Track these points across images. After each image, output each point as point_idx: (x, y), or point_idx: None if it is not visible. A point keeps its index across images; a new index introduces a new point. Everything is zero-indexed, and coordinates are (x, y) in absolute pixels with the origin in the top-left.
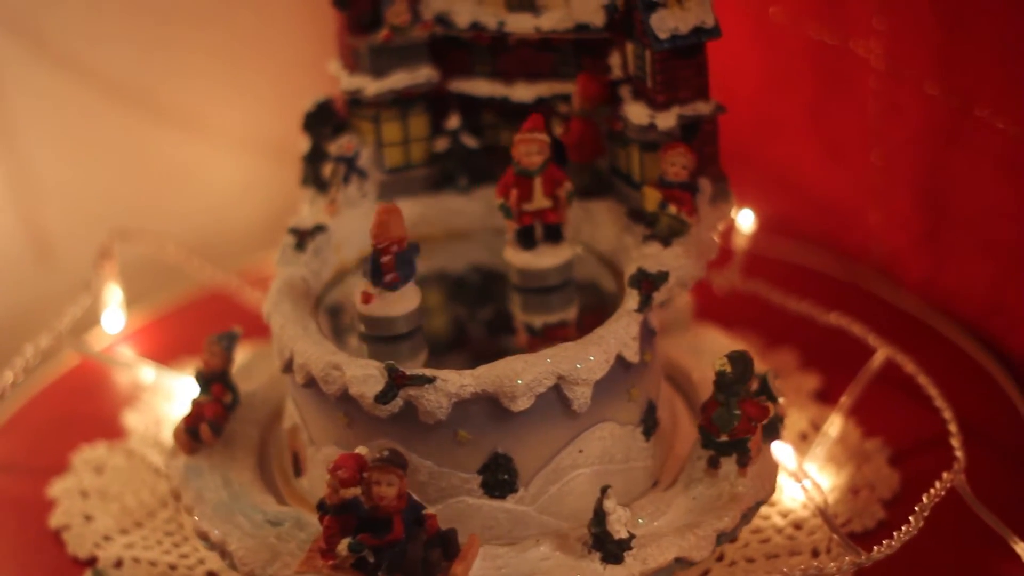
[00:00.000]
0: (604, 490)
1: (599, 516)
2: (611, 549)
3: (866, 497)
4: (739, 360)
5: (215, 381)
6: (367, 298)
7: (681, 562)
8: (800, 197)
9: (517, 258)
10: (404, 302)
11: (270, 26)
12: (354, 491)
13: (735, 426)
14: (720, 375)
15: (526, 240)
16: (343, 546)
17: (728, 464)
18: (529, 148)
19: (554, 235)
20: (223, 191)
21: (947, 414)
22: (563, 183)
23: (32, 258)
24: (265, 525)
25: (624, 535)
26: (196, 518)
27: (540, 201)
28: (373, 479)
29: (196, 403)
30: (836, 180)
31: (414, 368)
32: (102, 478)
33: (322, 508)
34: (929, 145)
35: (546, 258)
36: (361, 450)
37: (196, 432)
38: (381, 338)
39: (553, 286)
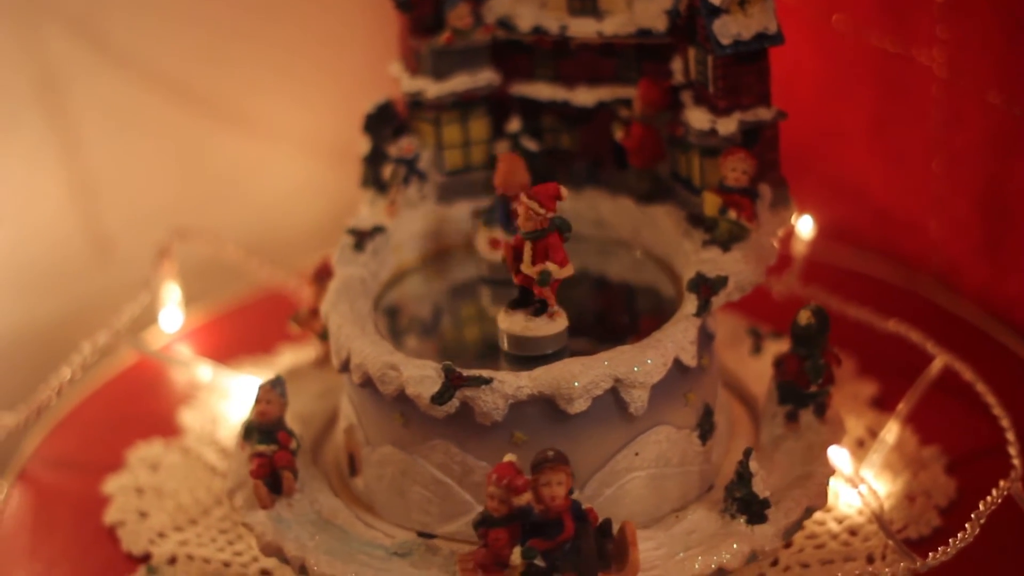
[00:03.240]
0: (748, 452)
1: (744, 479)
2: (756, 510)
3: (922, 504)
4: (819, 312)
5: (279, 429)
6: (496, 244)
7: (809, 511)
8: (860, 204)
9: (504, 321)
10: None
11: (332, 28)
12: (527, 497)
13: (824, 375)
14: (806, 328)
15: (520, 300)
16: (517, 555)
17: (805, 416)
18: (523, 212)
19: (540, 307)
20: (283, 191)
21: (1005, 422)
22: (547, 262)
23: (92, 256)
24: (392, 558)
25: (767, 494)
26: (314, 566)
27: (527, 267)
28: (542, 480)
29: (261, 455)
30: (897, 188)
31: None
32: (157, 475)
33: (487, 522)
34: (991, 154)
35: (536, 326)
36: (509, 457)
37: (277, 484)
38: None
39: (547, 355)
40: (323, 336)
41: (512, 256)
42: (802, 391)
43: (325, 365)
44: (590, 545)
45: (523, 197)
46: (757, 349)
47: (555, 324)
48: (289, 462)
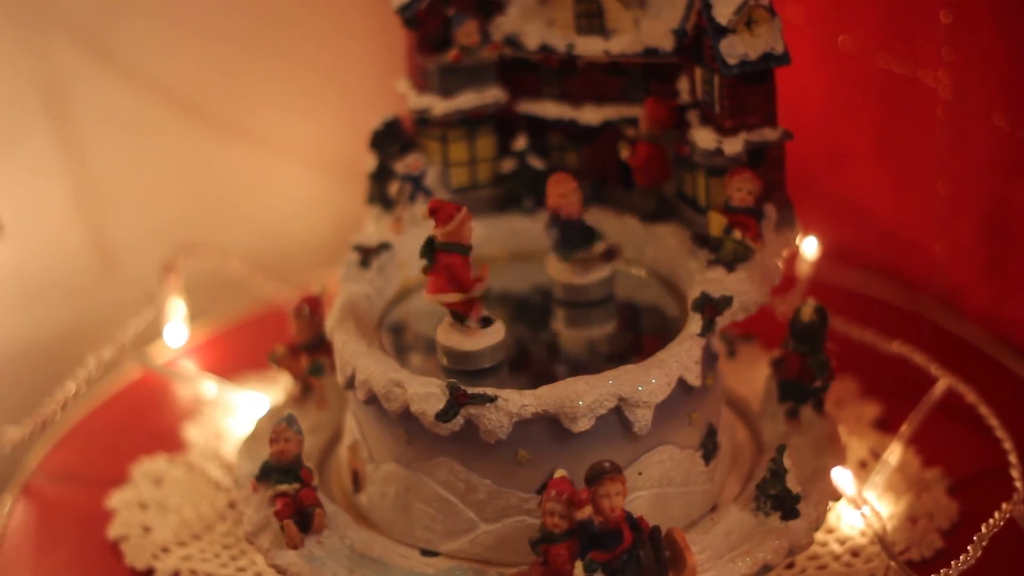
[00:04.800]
0: (781, 449)
1: (779, 476)
2: (790, 506)
3: (924, 526)
4: (820, 309)
5: (299, 466)
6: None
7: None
8: (865, 225)
9: (444, 335)
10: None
11: (340, 44)
12: (588, 510)
13: (828, 369)
14: (808, 325)
15: (458, 316)
16: (580, 569)
17: (805, 412)
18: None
19: (484, 319)
20: (288, 207)
21: (1007, 444)
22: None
23: (97, 270)
24: None
25: (798, 489)
26: None
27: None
28: (601, 492)
29: (284, 494)
30: (901, 209)
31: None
32: (161, 490)
33: (548, 539)
34: (996, 176)
35: (475, 340)
36: (561, 473)
37: (305, 522)
38: (577, 303)
39: (483, 368)
40: (311, 371)
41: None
42: (807, 387)
43: (303, 402)
44: (648, 553)
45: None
46: (731, 353)
47: (489, 336)
48: (316, 499)
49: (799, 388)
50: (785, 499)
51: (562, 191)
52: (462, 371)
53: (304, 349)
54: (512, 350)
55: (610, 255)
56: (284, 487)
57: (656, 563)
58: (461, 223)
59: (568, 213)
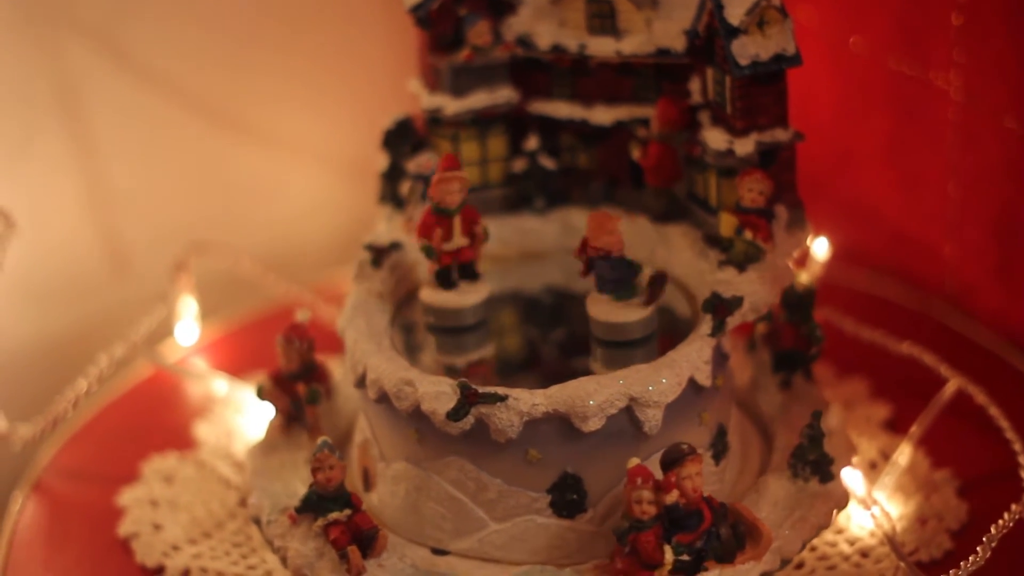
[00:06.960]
0: (818, 415)
1: (816, 441)
2: (826, 469)
3: (934, 527)
4: (809, 283)
5: (347, 493)
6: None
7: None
8: (875, 227)
9: (436, 298)
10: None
11: (352, 43)
12: (675, 494)
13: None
14: (802, 295)
15: (446, 280)
16: (670, 553)
17: (797, 380)
18: (450, 187)
19: (470, 273)
20: (300, 206)
21: (1017, 446)
22: (478, 220)
23: (109, 269)
24: None
25: (833, 453)
26: None
27: (459, 240)
28: (684, 474)
29: (338, 522)
30: (912, 211)
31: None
32: (172, 488)
33: (636, 527)
34: (1006, 178)
35: (467, 296)
36: (635, 461)
37: (365, 547)
38: (618, 343)
39: (470, 325)
40: (308, 400)
41: (439, 240)
42: (804, 355)
43: (288, 434)
44: (727, 530)
45: (443, 175)
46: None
47: (480, 292)
48: (373, 522)
49: (795, 357)
50: (822, 463)
51: (611, 228)
52: (447, 328)
53: (294, 378)
54: (523, 350)
55: (661, 281)
56: (336, 515)
57: (734, 538)
58: (436, 181)
59: (618, 251)
